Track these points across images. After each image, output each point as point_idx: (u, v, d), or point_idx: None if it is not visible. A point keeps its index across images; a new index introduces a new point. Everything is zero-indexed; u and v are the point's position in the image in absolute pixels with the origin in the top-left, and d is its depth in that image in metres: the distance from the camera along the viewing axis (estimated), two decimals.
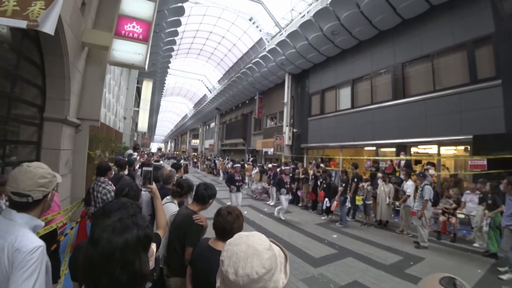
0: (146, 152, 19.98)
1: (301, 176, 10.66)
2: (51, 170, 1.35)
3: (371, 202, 7.93)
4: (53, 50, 4.68)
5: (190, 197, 2.99)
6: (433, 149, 9.19)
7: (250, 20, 19.02)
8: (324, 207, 8.79)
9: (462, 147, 8.37)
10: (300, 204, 10.62)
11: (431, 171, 7.87)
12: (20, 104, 4.59)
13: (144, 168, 2.02)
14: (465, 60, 8.09)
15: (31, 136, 4.95)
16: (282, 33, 14.80)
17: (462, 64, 8.22)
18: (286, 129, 16.14)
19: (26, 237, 1.15)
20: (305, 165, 13.19)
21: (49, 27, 2.91)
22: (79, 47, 5.45)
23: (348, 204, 8.16)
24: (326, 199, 8.64)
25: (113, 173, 4.51)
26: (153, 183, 2.03)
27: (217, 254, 1.67)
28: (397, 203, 7.57)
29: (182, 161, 12.98)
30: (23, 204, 1.21)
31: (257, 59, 17.30)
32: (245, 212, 8.96)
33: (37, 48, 4.67)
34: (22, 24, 2.82)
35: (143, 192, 2.89)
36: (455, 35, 8.35)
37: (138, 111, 19.77)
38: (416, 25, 9.53)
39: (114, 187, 3.71)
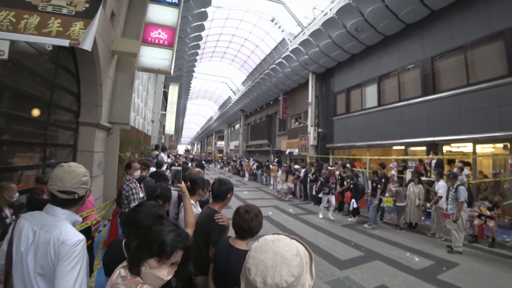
0: (173, 154, 20.65)
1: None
2: None
3: (403, 204, 7.56)
4: (86, 59, 5.01)
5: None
6: (467, 147, 8.61)
7: (272, 21, 19.02)
8: (350, 208, 8.57)
9: (501, 145, 7.76)
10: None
11: (466, 171, 7.38)
12: (58, 110, 4.96)
13: (173, 168, 2.10)
14: (503, 50, 7.50)
15: (68, 139, 5.33)
16: (304, 33, 14.62)
17: (500, 55, 7.61)
18: (311, 129, 15.93)
19: (70, 231, 1.26)
20: (330, 166, 12.96)
21: (87, 45, 3.29)
22: (109, 55, 5.78)
23: (383, 205, 7.91)
24: (353, 200, 8.42)
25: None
26: (182, 182, 2.11)
27: (235, 252, 1.73)
28: (428, 205, 7.20)
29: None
30: (69, 200, 1.32)
31: (280, 59, 17.22)
32: (270, 212, 8.98)
33: (72, 58, 5.03)
34: (65, 42, 3.18)
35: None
36: (491, 23, 7.76)
37: (165, 114, 20.48)
38: (447, 15, 9.00)
39: (138, 185, 3.92)
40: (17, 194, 3.01)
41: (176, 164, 7.62)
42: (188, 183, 2.81)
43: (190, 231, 1.91)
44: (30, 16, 3.09)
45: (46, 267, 1.20)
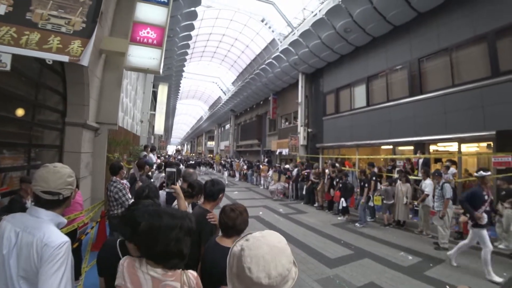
0: (163, 155, 20.41)
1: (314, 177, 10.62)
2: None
3: (391, 202, 7.71)
4: None
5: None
6: (453, 146, 8.84)
7: (262, 21, 19.03)
8: (340, 207, 8.67)
9: (485, 144, 8.01)
10: (315, 205, 10.53)
11: (452, 169, 7.58)
12: (43, 110, 4.84)
13: (168, 169, 2.09)
14: (486, 52, 7.75)
15: (54, 140, 5.20)
16: (294, 33, 14.72)
17: (483, 57, 7.86)
18: (301, 129, 16.04)
19: (54, 233, 1.22)
20: (320, 165, 13.07)
21: (85, 61, 3.69)
22: (97, 54, 5.66)
23: (371, 203, 8.03)
24: (342, 199, 8.51)
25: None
26: (177, 184, 2.10)
27: (221, 250, 1.74)
28: (416, 203, 7.36)
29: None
30: (53, 201, 1.28)
31: (270, 59, 17.29)
32: (260, 212, 8.99)
33: None
34: (65, 58, 3.56)
35: (160, 192, 2.98)
36: (476, 26, 8.00)
37: (154, 115, 20.23)
38: (433, 18, 9.23)
39: (127, 188, 3.86)
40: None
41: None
42: (187, 186, 2.80)
43: None
44: (31, 32, 3.41)
45: (29, 270, 1.17)
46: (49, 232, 1.21)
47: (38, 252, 1.16)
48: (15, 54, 3.20)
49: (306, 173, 11.38)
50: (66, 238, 1.24)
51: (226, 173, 20.32)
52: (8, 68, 3.05)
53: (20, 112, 4.08)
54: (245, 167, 19.63)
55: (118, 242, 1.56)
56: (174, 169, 2.10)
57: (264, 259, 0.79)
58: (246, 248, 0.84)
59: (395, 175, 8.48)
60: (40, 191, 1.26)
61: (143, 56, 5.89)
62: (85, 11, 3.78)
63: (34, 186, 1.28)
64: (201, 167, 23.78)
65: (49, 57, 3.49)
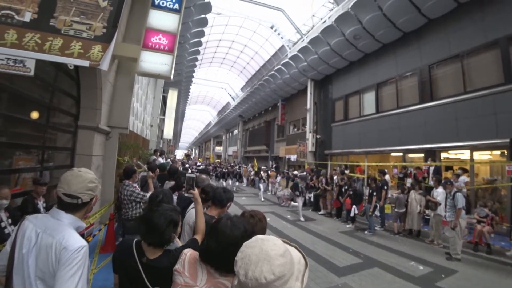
0: (170, 158, 20.52)
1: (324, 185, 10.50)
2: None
3: (402, 210, 7.57)
4: None
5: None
6: (465, 154, 8.64)
7: (272, 28, 19.20)
8: (352, 214, 8.48)
9: (498, 152, 7.81)
10: (321, 212, 10.39)
11: (464, 177, 7.40)
12: (57, 114, 4.96)
13: (187, 175, 2.14)
14: (499, 58, 7.61)
15: (66, 142, 5.31)
16: (303, 40, 14.79)
17: (496, 63, 7.73)
18: (309, 136, 15.98)
19: (72, 237, 1.24)
20: (329, 172, 12.95)
21: (105, 66, 3.80)
22: (110, 60, 5.78)
23: (377, 213, 7.87)
24: (354, 206, 8.36)
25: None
26: (195, 189, 2.13)
27: None
28: (427, 212, 7.20)
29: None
30: (72, 205, 1.31)
31: (279, 66, 17.37)
32: (268, 219, 8.90)
33: None
34: (86, 63, 3.66)
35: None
36: (487, 33, 7.89)
37: (164, 119, 20.45)
38: (443, 24, 9.15)
39: (139, 189, 3.91)
40: (5, 201, 2.86)
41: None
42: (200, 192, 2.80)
43: (199, 237, 1.93)
44: (54, 38, 3.51)
45: (46, 271, 1.18)
46: (68, 235, 1.22)
47: (56, 255, 1.17)
48: (36, 59, 3.28)
49: (316, 182, 11.12)
50: (85, 242, 1.25)
51: (262, 188, 14.16)
52: (32, 73, 3.13)
53: (35, 115, 4.19)
54: (252, 172, 19.58)
55: (134, 242, 1.59)
56: (193, 175, 2.16)
57: (249, 258, 0.84)
58: (244, 245, 0.91)
59: (407, 183, 8.32)
60: (61, 193, 1.29)
61: (155, 62, 5.97)
62: (106, 17, 3.86)
63: (58, 188, 1.32)
64: (231, 180, 17.05)
65: (71, 62, 3.58)
